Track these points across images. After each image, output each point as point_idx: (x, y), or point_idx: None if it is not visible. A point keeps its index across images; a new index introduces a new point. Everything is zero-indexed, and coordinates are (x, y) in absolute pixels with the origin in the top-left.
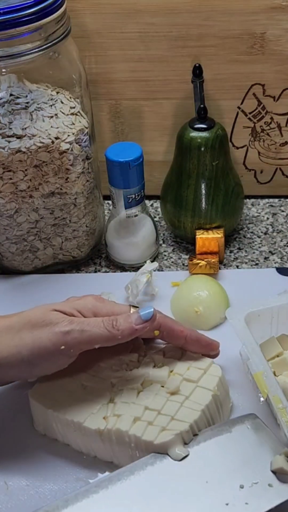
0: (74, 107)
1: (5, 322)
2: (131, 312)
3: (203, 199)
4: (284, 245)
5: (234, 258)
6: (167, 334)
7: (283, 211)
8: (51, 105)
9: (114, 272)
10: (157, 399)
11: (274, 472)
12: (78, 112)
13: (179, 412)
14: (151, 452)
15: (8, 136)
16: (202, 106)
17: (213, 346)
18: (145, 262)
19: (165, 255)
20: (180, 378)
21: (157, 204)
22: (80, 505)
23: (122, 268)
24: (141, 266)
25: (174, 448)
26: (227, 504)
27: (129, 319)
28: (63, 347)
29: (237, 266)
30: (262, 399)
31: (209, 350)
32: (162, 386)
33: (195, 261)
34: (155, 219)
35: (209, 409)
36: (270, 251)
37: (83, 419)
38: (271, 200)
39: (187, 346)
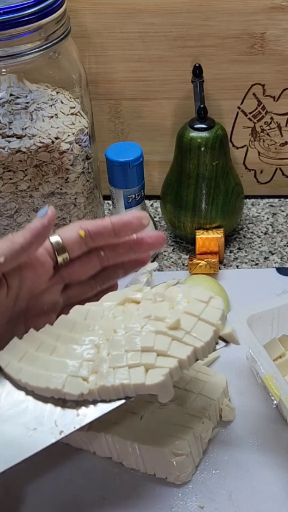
0: (74, 107)
1: None
2: None
3: (203, 199)
4: (284, 245)
5: (234, 258)
6: (93, 230)
7: (283, 211)
8: (51, 105)
9: None
10: (148, 336)
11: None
12: (78, 112)
13: (171, 347)
14: (140, 394)
15: (8, 136)
16: (202, 106)
17: (141, 218)
18: None
19: (165, 255)
20: (181, 311)
21: (157, 204)
22: None
23: None
24: None
25: (164, 389)
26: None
27: (27, 226)
28: None
29: (237, 266)
30: (275, 402)
31: (142, 224)
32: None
33: (195, 261)
34: (155, 219)
35: (209, 345)
36: (270, 251)
37: (61, 384)
38: (271, 200)
39: (120, 234)
